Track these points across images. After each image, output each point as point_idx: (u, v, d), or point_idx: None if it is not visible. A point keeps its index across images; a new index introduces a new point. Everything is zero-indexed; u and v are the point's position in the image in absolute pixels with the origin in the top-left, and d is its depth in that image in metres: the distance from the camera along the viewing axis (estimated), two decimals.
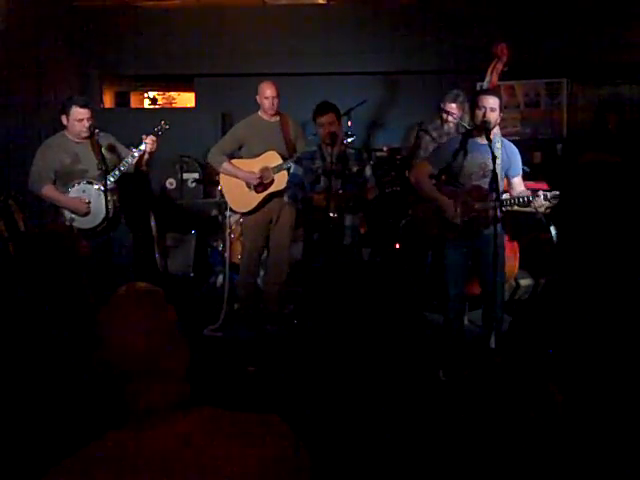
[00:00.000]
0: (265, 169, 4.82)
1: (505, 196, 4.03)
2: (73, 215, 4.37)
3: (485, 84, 4.69)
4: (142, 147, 4.38)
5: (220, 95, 6.71)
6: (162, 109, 8.20)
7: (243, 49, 6.48)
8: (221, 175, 4.98)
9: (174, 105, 8.41)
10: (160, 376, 1.27)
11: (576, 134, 6.34)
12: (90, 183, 4.35)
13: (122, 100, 7.69)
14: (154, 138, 4.41)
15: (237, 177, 4.87)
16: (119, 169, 4.37)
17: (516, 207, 4.08)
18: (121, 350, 1.26)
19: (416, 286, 5.27)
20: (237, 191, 4.92)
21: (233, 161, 4.93)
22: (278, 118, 4.91)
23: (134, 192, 4.98)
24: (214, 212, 6.22)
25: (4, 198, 4.86)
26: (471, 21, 6.21)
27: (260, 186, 4.85)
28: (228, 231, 5.44)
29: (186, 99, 8.18)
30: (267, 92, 4.86)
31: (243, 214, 5.08)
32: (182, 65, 6.71)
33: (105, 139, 4.46)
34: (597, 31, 6.09)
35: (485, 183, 3.92)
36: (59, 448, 1.55)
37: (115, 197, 4.41)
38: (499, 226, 4.00)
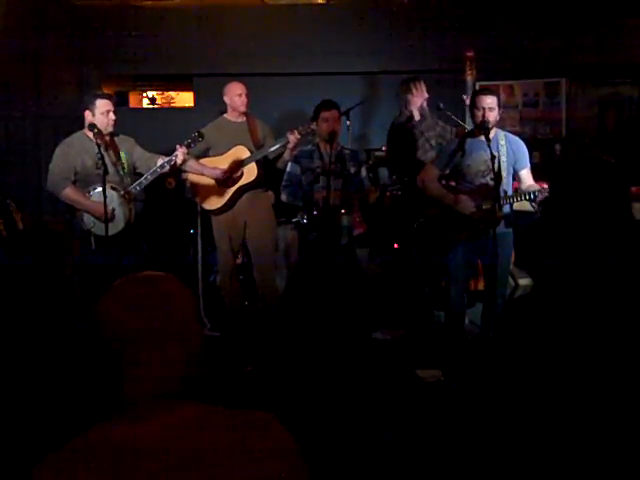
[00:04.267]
0: (234, 162, 4.71)
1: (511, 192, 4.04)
2: (93, 220, 4.06)
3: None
4: (174, 158, 4.11)
5: (219, 95, 6.65)
6: (161, 109, 8.20)
7: (243, 49, 6.47)
8: (189, 174, 4.83)
9: (173, 105, 8.40)
10: (159, 361, 1.23)
11: (575, 134, 6.34)
12: (114, 189, 4.03)
13: (121, 100, 7.68)
14: (186, 150, 4.19)
15: (203, 174, 4.74)
16: (146, 178, 4.12)
17: (527, 203, 4.03)
18: (117, 327, 1.22)
19: (428, 286, 5.23)
20: (207, 188, 4.80)
21: (202, 160, 4.79)
22: (245, 118, 4.84)
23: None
24: None
25: (3, 198, 4.87)
26: (471, 21, 6.21)
27: (230, 180, 4.74)
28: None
29: (185, 99, 8.16)
30: (239, 89, 4.80)
31: (214, 214, 4.90)
32: (181, 65, 6.69)
33: (125, 142, 4.29)
34: (596, 31, 6.10)
35: (492, 180, 3.94)
36: (48, 440, 1.53)
37: (132, 205, 4.15)
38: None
